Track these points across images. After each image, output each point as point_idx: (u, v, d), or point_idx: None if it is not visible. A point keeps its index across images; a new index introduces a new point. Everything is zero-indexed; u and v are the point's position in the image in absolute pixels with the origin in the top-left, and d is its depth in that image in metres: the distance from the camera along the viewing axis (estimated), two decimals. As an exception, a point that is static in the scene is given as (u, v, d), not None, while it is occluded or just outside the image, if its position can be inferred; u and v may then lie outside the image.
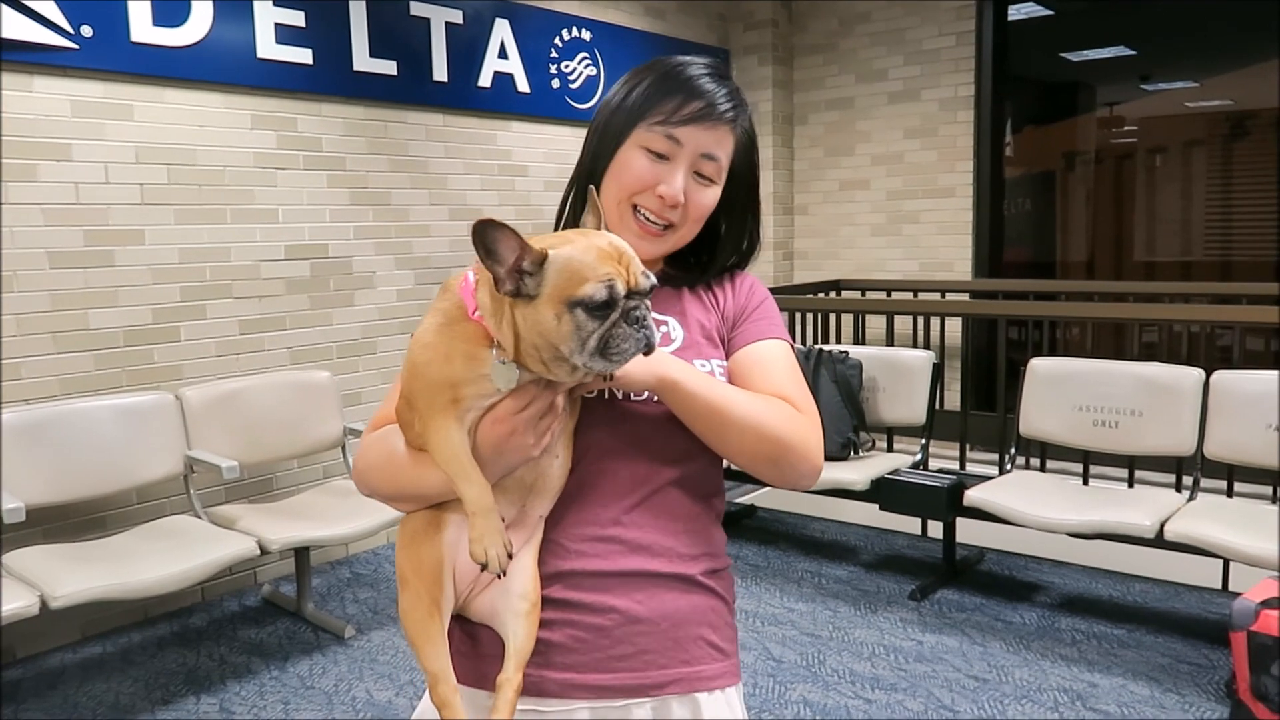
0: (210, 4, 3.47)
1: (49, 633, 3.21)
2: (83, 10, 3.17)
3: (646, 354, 0.99)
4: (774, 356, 1.20)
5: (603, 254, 0.97)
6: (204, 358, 3.60)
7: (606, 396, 1.13)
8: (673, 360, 1.10)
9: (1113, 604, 3.44)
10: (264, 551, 3.03)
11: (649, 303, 1.00)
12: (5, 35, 3.00)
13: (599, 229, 1.06)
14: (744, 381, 1.17)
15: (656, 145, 1.15)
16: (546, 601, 1.10)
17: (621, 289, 0.96)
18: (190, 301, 3.56)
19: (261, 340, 3.77)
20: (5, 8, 2.99)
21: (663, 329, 1.20)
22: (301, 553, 3.44)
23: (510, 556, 1.01)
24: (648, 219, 1.16)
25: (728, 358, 1.21)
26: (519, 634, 1.06)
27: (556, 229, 1.23)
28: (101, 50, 3.23)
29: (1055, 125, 6.40)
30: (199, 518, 3.27)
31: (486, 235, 0.93)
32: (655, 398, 1.11)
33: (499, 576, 1.02)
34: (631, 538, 1.12)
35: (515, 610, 1.06)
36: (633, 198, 1.16)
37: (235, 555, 2.95)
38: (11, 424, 3.01)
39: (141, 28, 3.31)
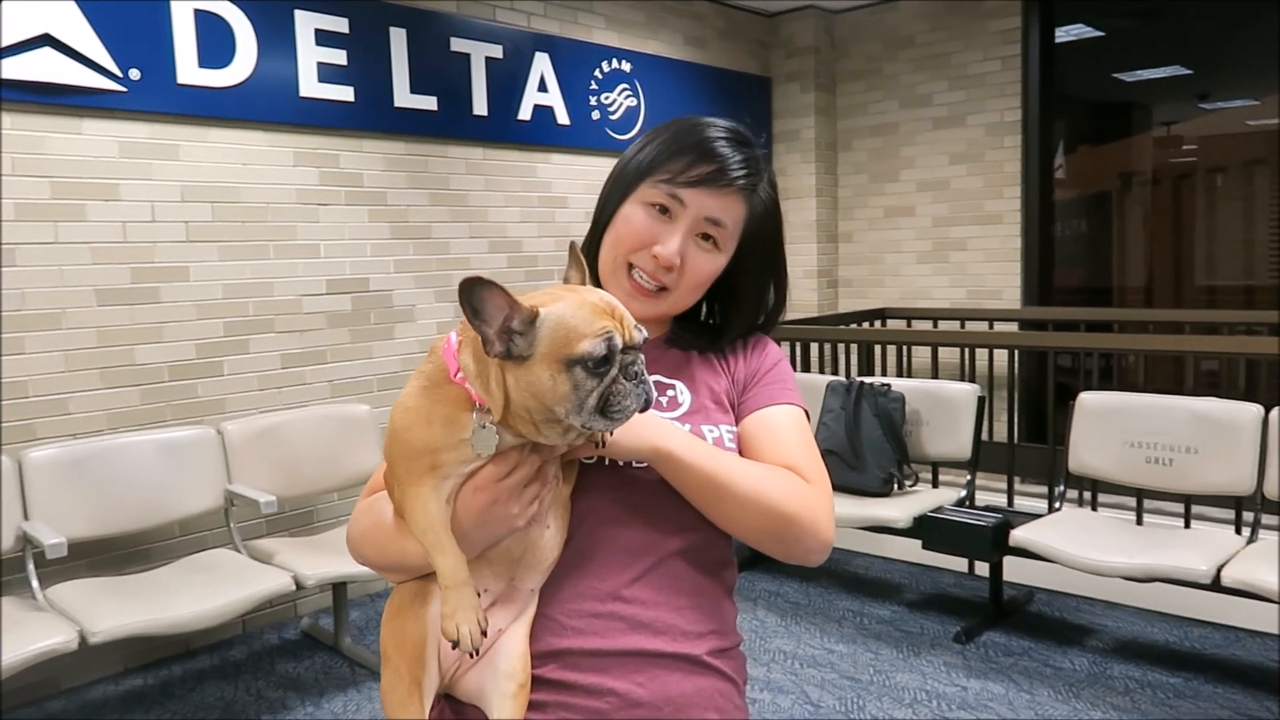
0: (254, 45, 3.54)
1: (92, 664, 3.26)
2: (131, 54, 3.25)
3: (644, 410, 0.95)
4: (784, 423, 1.15)
5: (596, 309, 0.94)
6: (246, 392, 3.65)
7: (607, 462, 1.08)
8: (669, 428, 1.06)
9: (1169, 650, 3.31)
10: (300, 587, 3.04)
11: (643, 357, 0.96)
12: (57, 80, 3.09)
13: (583, 284, 1.02)
14: (753, 449, 1.13)
15: (659, 203, 1.12)
16: (539, 682, 1.04)
17: (619, 342, 0.92)
18: (233, 336, 3.61)
19: (303, 374, 3.81)
20: (55, 52, 3.08)
21: (669, 393, 1.16)
22: (339, 587, 3.45)
23: (484, 634, 0.96)
24: (641, 279, 1.13)
25: (738, 423, 1.17)
26: (505, 716, 1.00)
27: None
28: (149, 92, 3.31)
29: (1109, 146, 6.24)
30: (239, 551, 3.30)
31: (474, 294, 0.90)
32: None
33: (471, 656, 0.97)
34: (632, 614, 1.06)
35: (502, 691, 1.01)
36: (629, 254, 1.13)
37: (271, 591, 2.97)
38: (58, 459, 3.07)
39: (188, 69, 3.39)
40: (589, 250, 1.19)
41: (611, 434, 1.00)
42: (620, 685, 1.04)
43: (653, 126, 1.21)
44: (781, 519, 1.05)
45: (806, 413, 1.20)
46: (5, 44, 2.98)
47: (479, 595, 1.00)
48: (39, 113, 3.10)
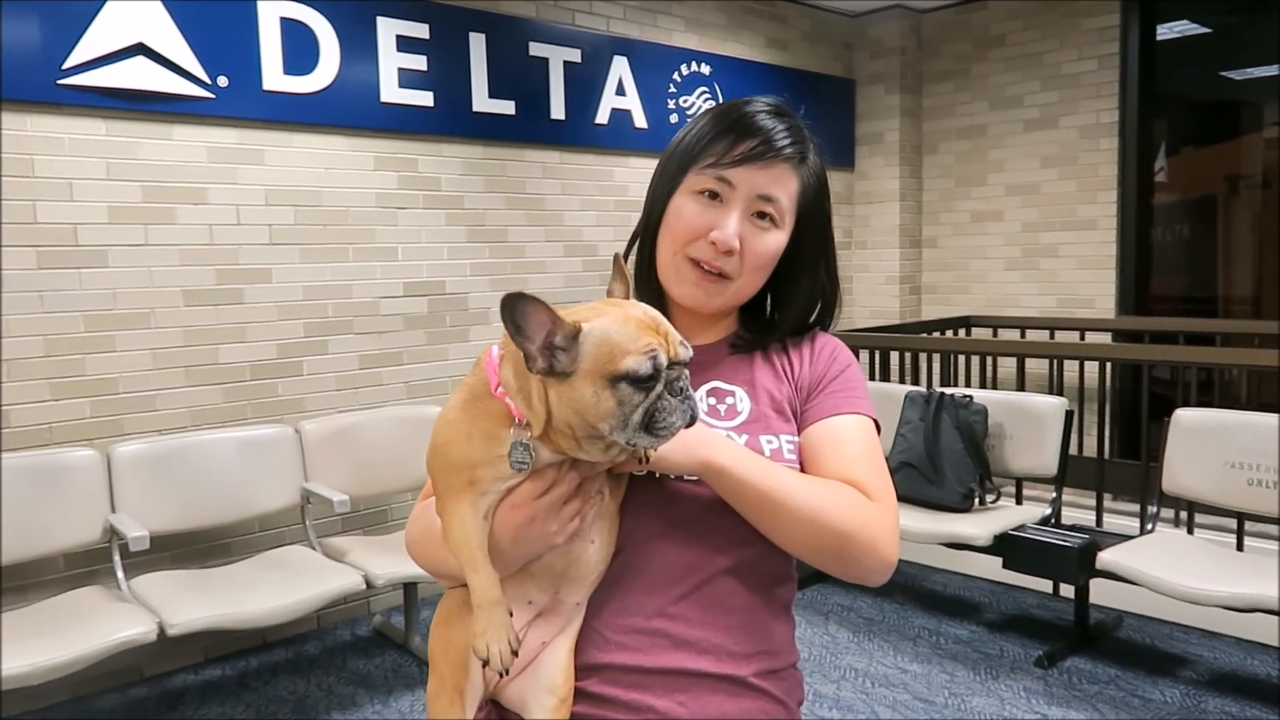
0: (337, 51, 3.61)
1: (174, 654, 3.35)
2: (220, 62, 3.34)
3: (690, 426, 0.92)
4: (850, 434, 1.09)
5: (640, 324, 0.91)
6: (324, 391, 3.72)
7: (658, 476, 1.05)
8: (720, 442, 1.02)
9: (1270, 685, 3.11)
10: (370, 586, 3.08)
11: (688, 373, 0.93)
12: (149, 88, 3.19)
13: (627, 297, 1.00)
14: (815, 460, 1.08)
15: (709, 189, 1.08)
16: (581, 695, 1.03)
17: (664, 359, 0.90)
18: (313, 337, 3.68)
19: (379, 375, 3.87)
20: (148, 60, 3.18)
21: (728, 400, 1.12)
22: (410, 587, 3.49)
23: (515, 654, 0.94)
24: (699, 267, 1.09)
25: (800, 432, 1.12)
26: None
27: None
28: (236, 99, 3.40)
29: (1216, 147, 5.94)
30: (313, 549, 3.36)
31: (516, 310, 0.88)
32: None
33: (500, 676, 0.96)
34: (677, 631, 1.04)
35: (543, 704, 1.01)
36: (686, 247, 1.09)
37: (342, 589, 3.01)
38: (144, 454, 3.17)
39: (273, 76, 3.47)
40: (642, 254, 1.15)
41: (656, 449, 0.97)
42: (661, 703, 1.03)
43: None
44: (839, 536, 1.00)
45: (877, 423, 1.14)
46: (102, 53, 3.09)
47: (527, 604, 1.01)
48: (132, 119, 3.21)
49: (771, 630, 1.10)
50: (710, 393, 1.13)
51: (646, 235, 1.15)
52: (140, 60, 3.17)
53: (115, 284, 3.21)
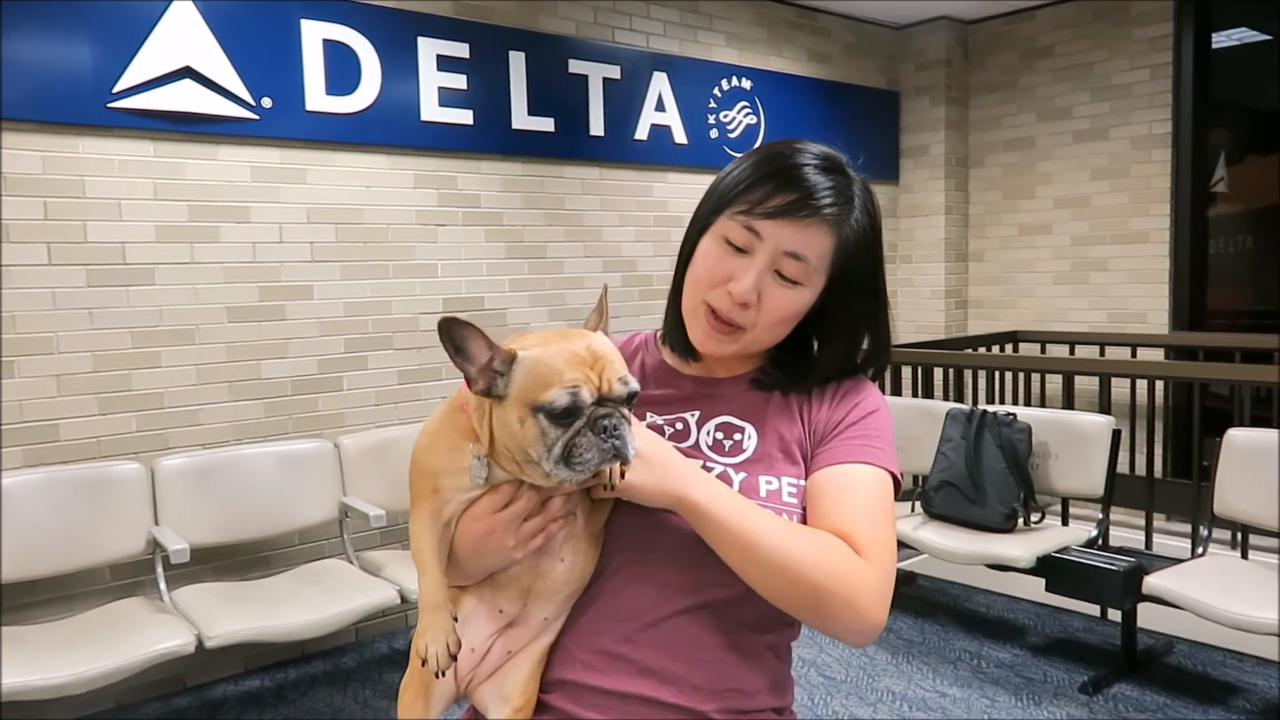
0: (379, 72, 3.67)
1: (214, 664, 3.41)
2: (264, 83, 3.41)
3: (623, 464, 0.94)
4: (855, 484, 1.05)
5: (574, 358, 0.92)
6: (363, 407, 3.77)
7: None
8: (699, 478, 1.00)
9: (1328, 716, 2.99)
10: (405, 600, 3.10)
11: (625, 410, 0.93)
12: (195, 110, 3.27)
13: (596, 329, 1.01)
14: (814, 508, 1.05)
15: (735, 237, 1.04)
16: (545, 707, 1.05)
17: (588, 396, 0.91)
18: (353, 353, 3.74)
19: (418, 390, 3.90)
20: (194, 83, 3.26)
21: (736, 436, 1.10)
22: (445, 601, 3.50)
23: (454, 657, 0.97)
24: (715, 315, 1.06)
25: (808, 475, 1.08)
26: None
27: None
28: (279, 119, 3.47)
29: (1278, 155, 5.76)
30: (351, 562, 3.40)
31: (454, 333, 0.91)
32: None
33: (437, 676, 0.99)
34: (640, 658, 1.03)
35: (499, 711, 1.04)
36: (705, 293, 1.06)
37: (377, 604, 3.04)
38: (187, 467, 3.24)
39: (316, 97, 3.54)
40: (675, 283, 1.13)
41: (622, 475, 0.97)
42: None
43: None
44: (813, 589, 0.96)
45: (896, 478, 1.08)
46: (150, 77, 3.18)
47: (498, 613, 1.05)
48: (179, 140, 3.30)
49: (746, 670, 1.06)
50: (720, 427, 1.11)
51: (679, 267, 1.13)
52: (187, 83, 3.25)
53: (161, 301, 3.29)
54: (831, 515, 1.02)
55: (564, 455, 0.91)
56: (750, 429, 1.10)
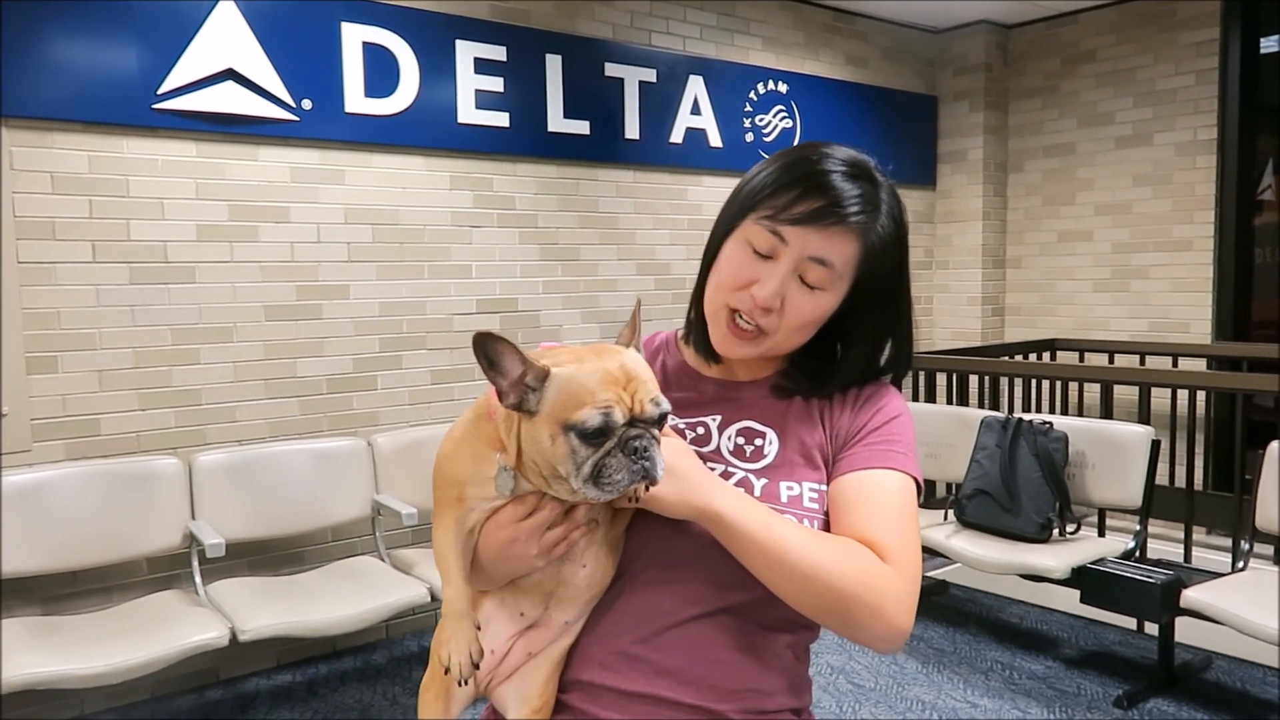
0: (417, 74, 3.71)
1: (248, 658, 3.45)
2: (304, 86, 3.46)
3: (649, 485, 0.93)
4: (879, 490, 1.05)
5: (607, 377, 0.92)
6: (398, 405, 3.80)
7: None
8: (720, 489, 1.00)
9: (1373, 738, 2.92)
10: (435, 599, 3.12)
11: (656, 431, 0.93)
12: (237, 111, 3.33)
13: (629, 345, 1.00)
14: (838, 514, 1.05)
15: (760, 242, 1.04)
16: (564, 707, 1.06)
17: (620, 417, 0.91)
18: (387, 352, 3.77)
19: (451, 390, 3.93)
20: (236, 85, 3.32)
21: (757, 441, 1.10)
22: (475, 600, 3.52)
23: (476, 666, 0.98)
24: (740, 321, 1.06)
25: (831, 481, 1.08)
26: None
27: None
28: (319, 121, 3.51)
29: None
30: (383, 560, 3.43)
31: (488, 347, 0.91)
32: None
33: (460, 684, 1.00)
34: (658, 659, 1.03)
35: (519, 711, 1.05)
36: (728, 297, 1.06)
37: (408, 601, 3.06)
38: (224, 463, 3.29)
39: (355, 99, 3.58)
40: (699, 284, 1.13)
41: (646, 489, 0.96)
42: None
43: None
44: (839, 597, 0.96)
45: (919, 483, 1.08)
46: (194, 79, 3.24)
47: (519, 616, 1.06)
48: (221, 141, 3.35)
49: (764, 671, 1.06)
50: (741, 432, 1.11)
51: (704, 268, 1.13)
52: (230, 85, 3.31)
53: (201, 299, 3.35)
54: (857, 522, 1.02)
55: (593, 475, 0.91)
56: (771, 434, 1.10)
